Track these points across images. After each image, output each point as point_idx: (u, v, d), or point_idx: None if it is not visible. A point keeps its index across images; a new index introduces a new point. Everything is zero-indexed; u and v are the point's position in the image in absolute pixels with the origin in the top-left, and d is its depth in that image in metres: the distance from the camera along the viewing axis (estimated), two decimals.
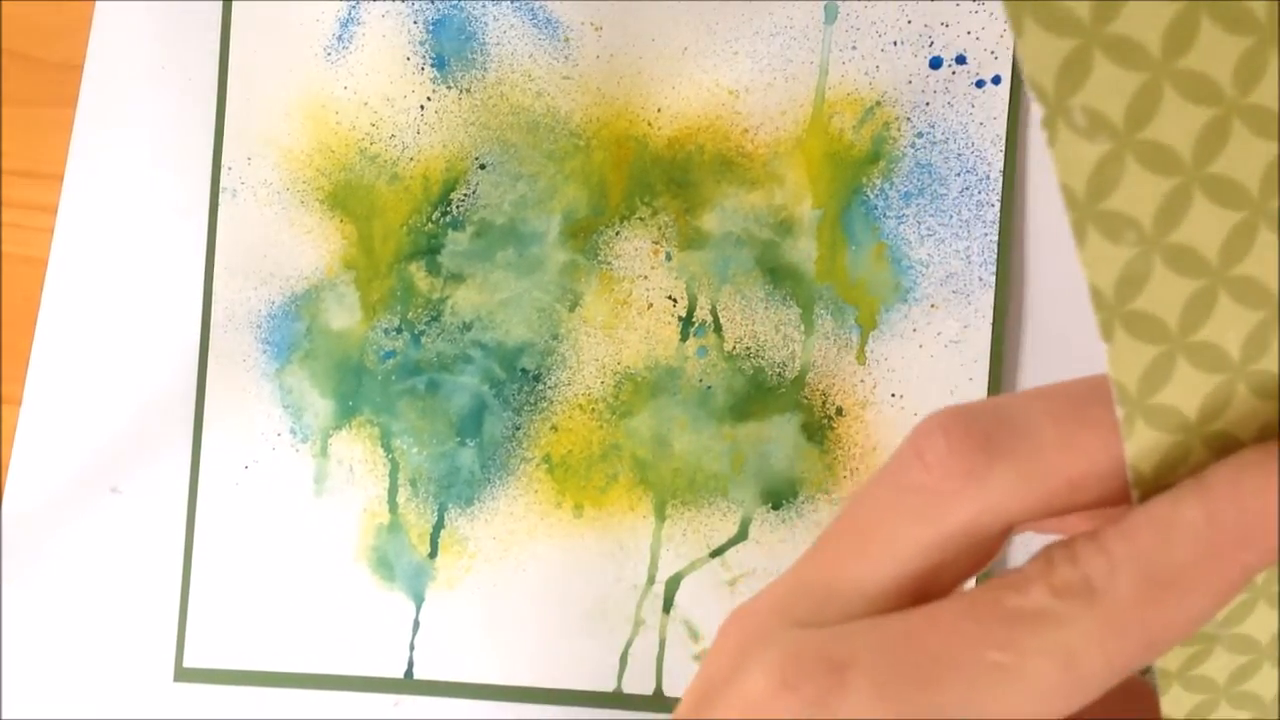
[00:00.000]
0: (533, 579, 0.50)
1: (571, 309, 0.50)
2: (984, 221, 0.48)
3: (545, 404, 0.50)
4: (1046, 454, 0.18)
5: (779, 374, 0.49)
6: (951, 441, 0.19)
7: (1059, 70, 0.16)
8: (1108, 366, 0.17)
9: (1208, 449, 0.18)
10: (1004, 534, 0.19)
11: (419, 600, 0.50)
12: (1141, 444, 0.18)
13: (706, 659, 0.21)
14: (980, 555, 0.19)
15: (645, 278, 0.50)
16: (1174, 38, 0.15)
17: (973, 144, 0.48)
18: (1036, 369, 0.48)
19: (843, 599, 0.19)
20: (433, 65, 0.51)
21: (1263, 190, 0.16)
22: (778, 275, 0.49)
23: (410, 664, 0.50)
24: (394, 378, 0.51)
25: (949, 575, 0.19)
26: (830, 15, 0.49)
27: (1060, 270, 0.48)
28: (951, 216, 0.48)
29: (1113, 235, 0.17)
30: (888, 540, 0.19)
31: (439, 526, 0.50)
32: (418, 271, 0.51)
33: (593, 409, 0.50)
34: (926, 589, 0.19)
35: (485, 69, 0.51)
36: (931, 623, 0.18)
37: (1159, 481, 0.18)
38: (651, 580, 0.49)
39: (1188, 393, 0.18)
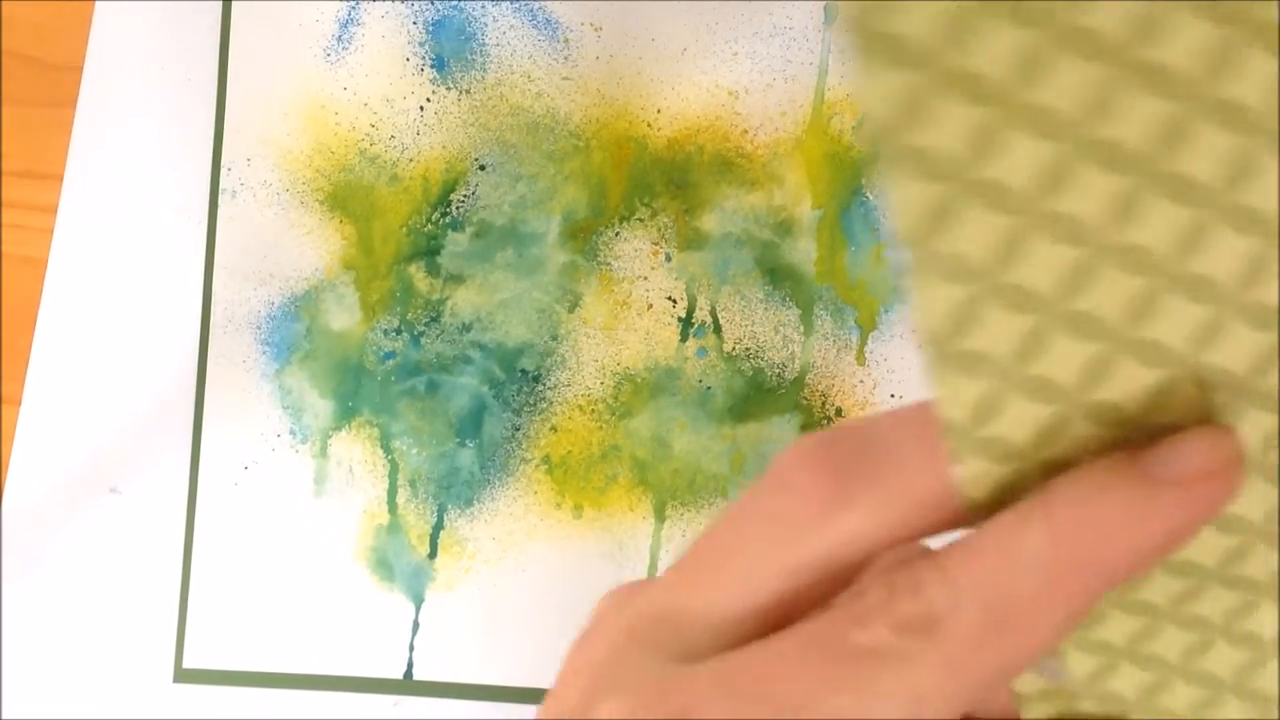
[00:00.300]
0: (532, 579, 0.50)
1: (571, 310, 0.50)
2: None
3: (545, 405, 0.50)
4: (907, 478, 0.18)
5: (779, 375, 0.49)
6: (812, 469, 0.18)
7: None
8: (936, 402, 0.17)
9: (1044, 475, 0.18)
10: (864, 561, 0.19)
11: (418, 601, 0.50)
12: (973, 471, 0.18)
13: (561, 675, 0.20)
14: (840, 582, 0.19)
15: (645, 278, 0.50)
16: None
17: None
18: None
19: (699, 626, 0.19)
20: (432, 66, 0.51)
21: (1110, 227, 0.16)
22: (777, 276, 0.49)
23: (410, 664, 0.50)
24: (394, 378, 0.51)
25: (807, 602, 0.19)
26: (830, 16, 0.49)
27: None
28: None
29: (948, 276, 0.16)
30: (746, 567, 0.19)
31: (438, 527, 0.50)
32: (417, 272, 0.51)
33: (592, 410, 0.50)
34: (786, 616, 0.19)
35: (485, 70, 0.51)
36: (777, 660, 0.18)
37: (994, 508, 0.18)
38: None
39: (1020, 424, 0.17)
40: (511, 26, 0.51)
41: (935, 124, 0.15)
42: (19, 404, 0.53)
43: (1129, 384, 0.17)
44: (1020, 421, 0.17)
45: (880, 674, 0.17)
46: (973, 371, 0.17)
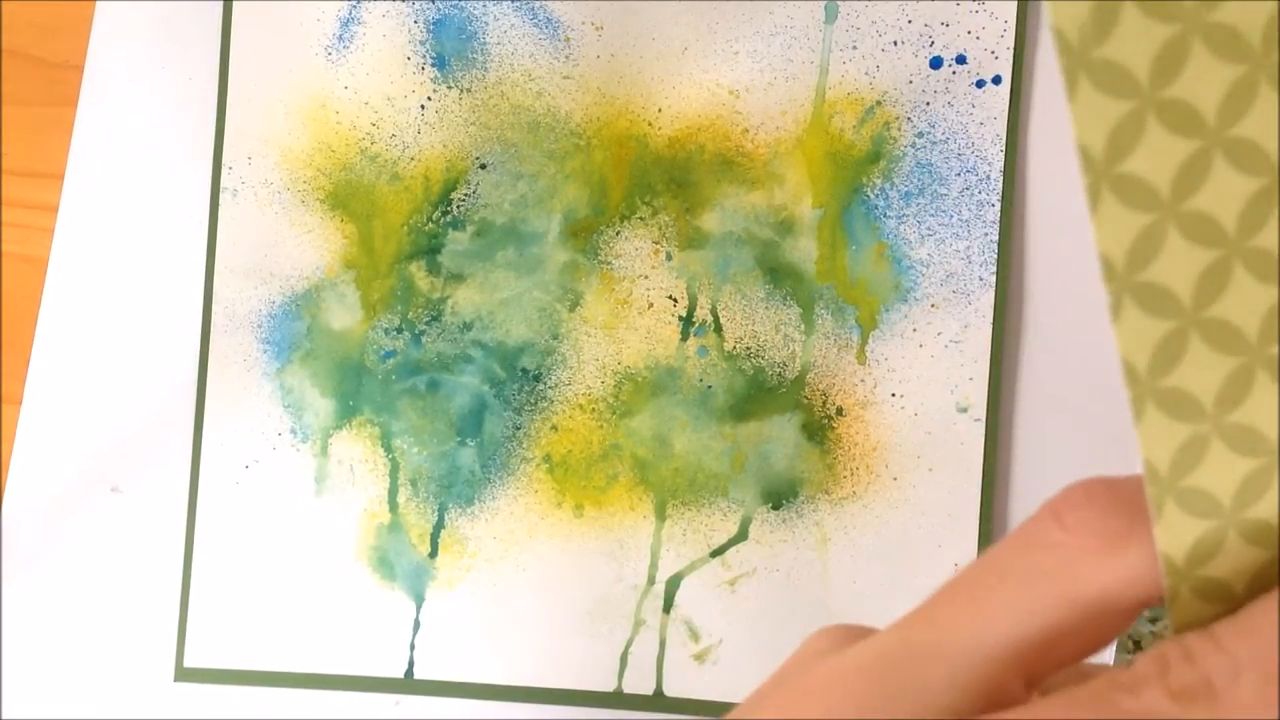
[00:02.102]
0: (533, 579, 0.50)
1: (572, 309, 0.50)
2: (984, 221, 0.48)
3: (545, 404, 0.50)
4: None
5: (779, 374, 0.49)
6: (1095, 504, 0.18)
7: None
8: (1139, 446, 0.17)
9: (1243, 538, 0.17)
10: (1134, 610, 0.18)
11: (419, 600, 0.50)
12: (1173, 529, 0.17)
13: (774, 707, 0.20)
14: (1105, 631, 0.18)
15: (645, 277, 0.50)
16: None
17: (973, 144, 0.48)
18: (1036, 369, 0.48)
19: (949, 663, 0.18)
20: (433, 65, 0.51)
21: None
22: (778, 275, 0.49)
23: (410, 664, 0.50)
24: (394, 377, 0.51)
25: (1068, 648, 0.18)
26: (830, 15, 0.49)
27: (1060, 270, 0.48)
28: (951, 216, 0.48)
29: (1152, 308, 0.16)
30: (1011, 597, 0.18)
31: (439, 526, 0.50)
32: (418, 271, 0.51)
33: (593, 409, 0.50)
34: (1041, 660, 0.18)
35: (486, 69, 0.51)
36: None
37: (1191, 571, 0.17)
38: (651, 580, 0.49)
39: (1222, 475, 0.17)
40: (512, 25, 0.51)
41: (1125, 40, 0.15)
42: (19, 403, 0.53)
43: None
44: (1221, 471, 0.17)
45: None
46: (1176, 413, 0.16)
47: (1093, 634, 0.18)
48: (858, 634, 0.20)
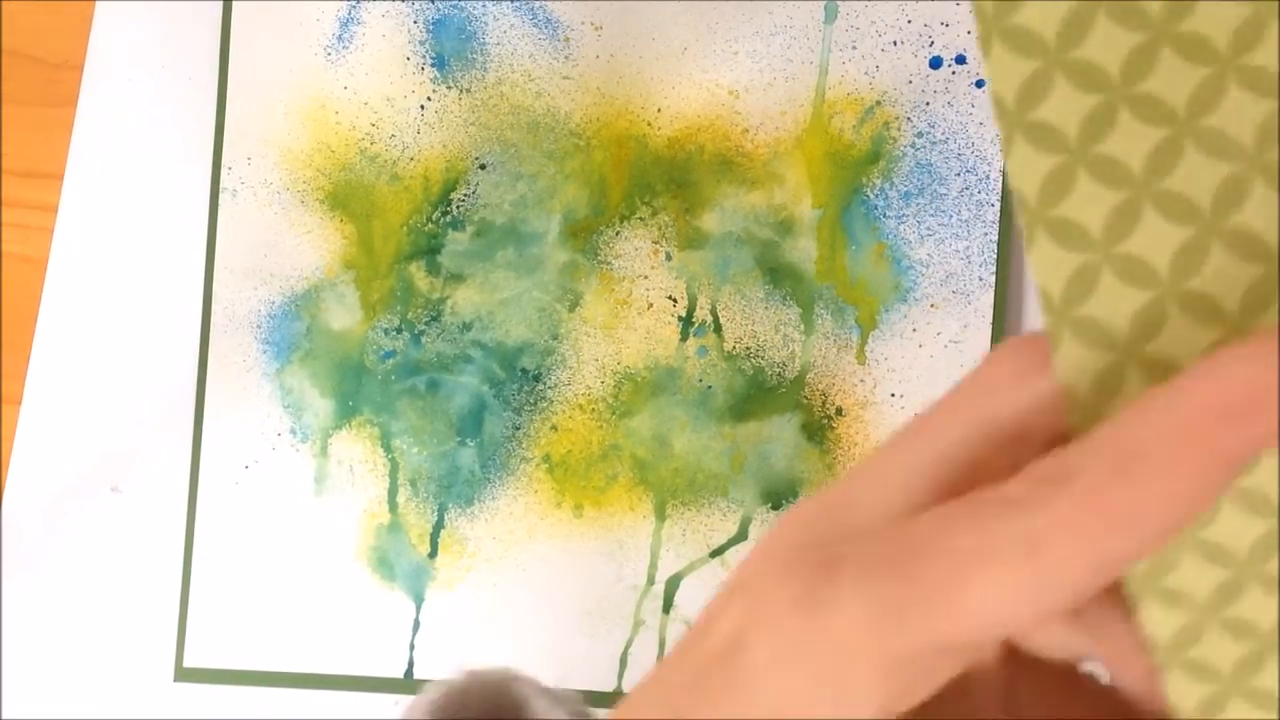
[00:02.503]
0: (533, 579, 0.50)
1: (571, 309, 0.50)
2: (984, 221, 0.48)
3: (545, 404, 0.50)
4: None
5: (779, 374, 0.49)
6: (1011, 347, 0.19)
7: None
8: (1032, 269, 0.18)
9: (1146, 374, 0.18)
10: (1046, 442, 0.19)
11: (419, 600, 0.50)
12: (1071, 359, 0.18)
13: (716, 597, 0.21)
14: (1019, 458, 0.19)
15: (645, 278, 0.50)
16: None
17: (973, 144, 0.48)
18: None
19: (871, 500, 0.19)
20: (433, 65, 0.51)
21: (1189, 112, 0.17)
22: (778, 275, 0.49)
23: (410, 664, 0.50)
24: (394, 378, 0.51)
25: (984, 475, 0.19)
26: (830, 15, 0.49)
27: None
28: (951, 216, 0.48)
29: (1040, 143, 0.17)
30: (935, 424, 0.20)
31: (439, 526, 0.50)
32: (418, 271, 0.51)
33: (593, 409, 0.50)
34: (964, 491, 0.19)
35: (485, 69, 0.51)
36: (921, 518, 0.18)
37: (1097, 409, 0.18)
38: (651, 580, 0.49)
39: (1116, 307, 0.17)
40: (512, 26, 0.51)
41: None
42: (19, 403, 0.53)
43: (1223, 276, 0.17)
44: (1116, 303, 0.17)
45: (1005, 516, 0.17)
46: (1066, 241, 0.17)
47: (1010, 465, 0.19)
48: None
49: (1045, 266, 0.17)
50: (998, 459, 0.19)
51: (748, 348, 0.49)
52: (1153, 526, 0.16)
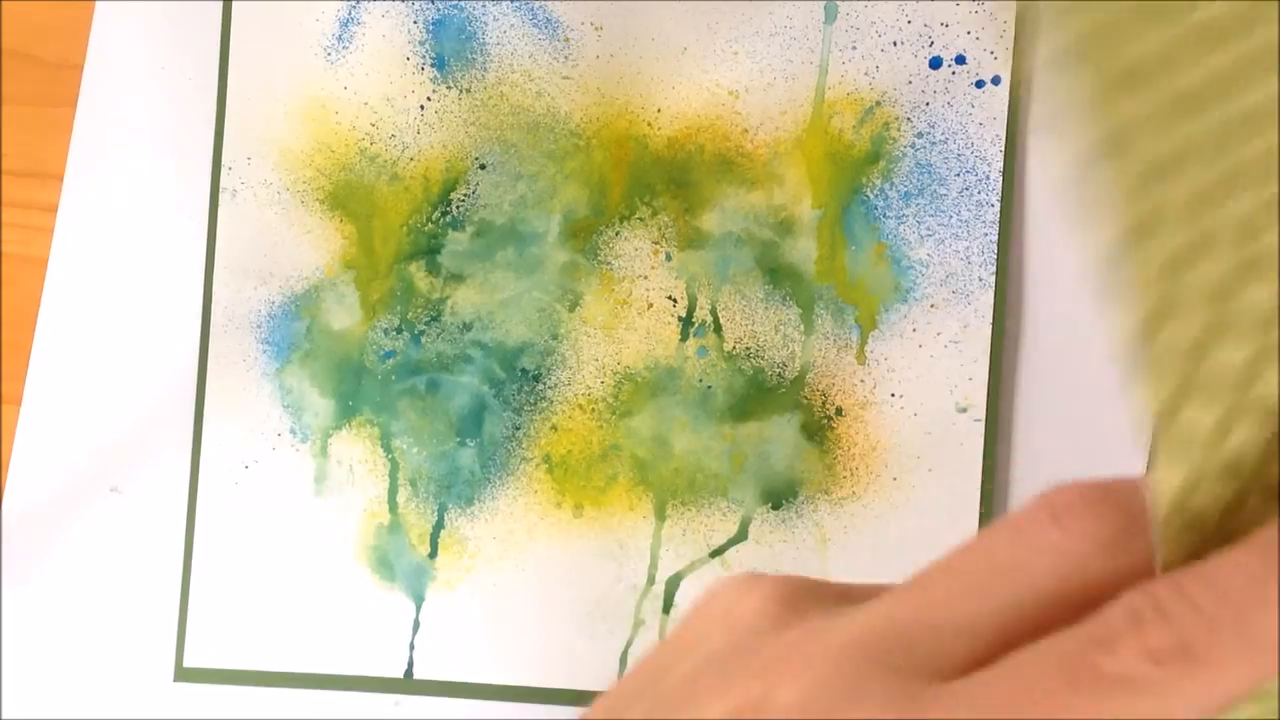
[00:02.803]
0: (533, 579, 0.50)
1: (571, 309, 0.50)
2: (984, 221, 0.48)
3: (545, 404, 0.50)
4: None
5: (779, 374, 0.49)
6: (1091, 510, 0.19)
7: None
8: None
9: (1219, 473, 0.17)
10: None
11: (419, 600, 0.50)
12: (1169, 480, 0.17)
13: (727, 670, 0.20)
14: (1091, 612, 0.18)
15: (645, 278, 0.50)
16: None
17: (973, 144, 0.48)
18: (1036, 369, 0.48)
19: (939, 640, 0.19)
20: (433, 65, 0.51)
21: None
22: (778, 275, 0.49)
23: (410, 664, 0.50)
24: (394, 378, 0.51)
25: (1053, 630, 0.19)
26: (830, 15, 0.49)
27: (1060, 270, 0.48)
28: (951, 216, 0.48)
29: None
30: (1007, 588, 0.19)
31: (439, 526, 0.50)
32: (418, 271, 0.51)
33: (593, 409, 0.50)
34: (1027, 638, 0.19)
35: (485, 69, 0.51)
36: (1022, 683, 0.17)
37: (1191, 519, 0.18)
38: (651, 580, 0.49)
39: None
40: (512, 26, 0.51)
41: None
42: (19, 403, 0.53)
43: None
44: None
45: (1135, 704, 0.17)
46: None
47: (1079, 617, 0.18)
48: (804, 590, 0.21)
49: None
50: (1066, 619, 0.19)
51: (748, 348, 0.49)
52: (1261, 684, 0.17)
